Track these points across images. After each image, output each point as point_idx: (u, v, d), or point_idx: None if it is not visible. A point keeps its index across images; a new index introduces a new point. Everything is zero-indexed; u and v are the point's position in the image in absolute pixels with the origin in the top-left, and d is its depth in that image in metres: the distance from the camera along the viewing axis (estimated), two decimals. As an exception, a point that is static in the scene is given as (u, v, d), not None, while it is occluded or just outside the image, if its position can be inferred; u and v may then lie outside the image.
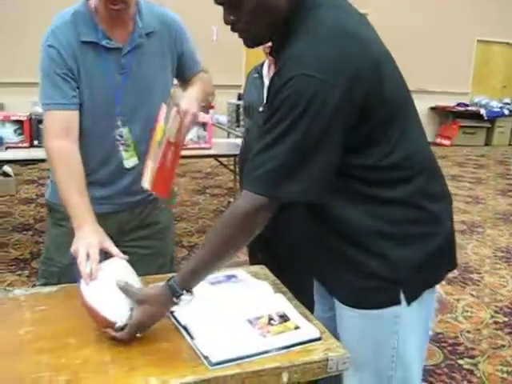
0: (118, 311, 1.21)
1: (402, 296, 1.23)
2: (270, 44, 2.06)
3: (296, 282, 1.56)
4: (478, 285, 3.74)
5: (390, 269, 1.22)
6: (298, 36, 1.14)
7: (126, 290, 1.24)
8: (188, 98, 1.55)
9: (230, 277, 1.56)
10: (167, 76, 1.73)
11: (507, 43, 11.11)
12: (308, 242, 1.41)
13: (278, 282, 1.57)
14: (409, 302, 1.24)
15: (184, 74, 1.80)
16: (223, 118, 5.59)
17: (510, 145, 10.93)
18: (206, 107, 1.72)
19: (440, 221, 1.30)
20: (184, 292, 1.19)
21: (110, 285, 1.25)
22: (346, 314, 1.30)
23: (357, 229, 1.22)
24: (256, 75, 2.31)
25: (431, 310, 1.36)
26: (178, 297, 1.19)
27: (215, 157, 4.59)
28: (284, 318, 1.30)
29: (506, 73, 11.59)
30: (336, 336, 1.30)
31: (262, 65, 2.32)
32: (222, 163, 5.23)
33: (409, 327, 1.27)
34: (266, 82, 2.22)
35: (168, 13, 1.75)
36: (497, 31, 10.74)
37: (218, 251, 1.20)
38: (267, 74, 2.24)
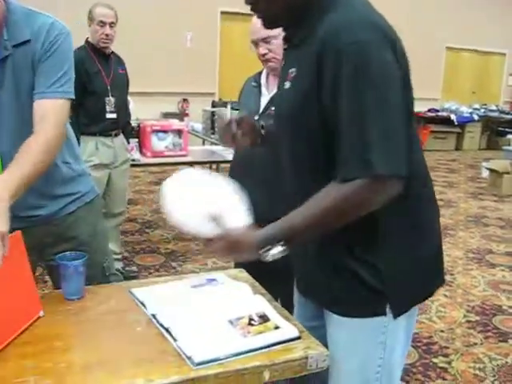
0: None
1: (388, 309, 1.24)
2: (265, 53, 2.10)
3: (274, 288, 1.60)
4: (450, 285, 3.83)
5: (379, 281, 1.22)
6: (335, 10, 1.17)
7: (218, 220, 1.23)
8: None
9: (210, 280, 1.59)
10: (21, 95, 1.56)
11: (475, 50, 11.38)
12: (299, 248, 1.36)
13: (257, 284, 1.60)
14: (395, 316, 1.25)
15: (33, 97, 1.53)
16: (198, 126, 5.62)
17: (480, 149, 11.17)
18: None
19: (433, 229, 1.33)
20: (279, 245, 1.19)
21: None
22: (334, 322, 1.31)
23: (351, 236, 1.21)
24: (254, 84, 2.28)
25: (415, 317, 1.39)
26: (269, 248, 1.19)
27: (192, 164, 4.61)
28: (264, 319, 1.33)
29: (474, 79, 11.86)
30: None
31: (260, 74, 2.29)
32: (198, 170, 5.24)
33: (396, 338, 1.29)
34: (264, 90, 2.20)
35: (48, 23, 1.55)
36: (465, 38, 10.98)
37: (324, 221, 1.17)
38: (265, 83, 2.21)
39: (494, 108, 11.45)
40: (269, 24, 1.32)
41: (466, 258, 4.52)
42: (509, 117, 11.12)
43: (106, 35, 3.32)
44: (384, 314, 1.24)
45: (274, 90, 1.94)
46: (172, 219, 1.29)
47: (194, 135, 5.67)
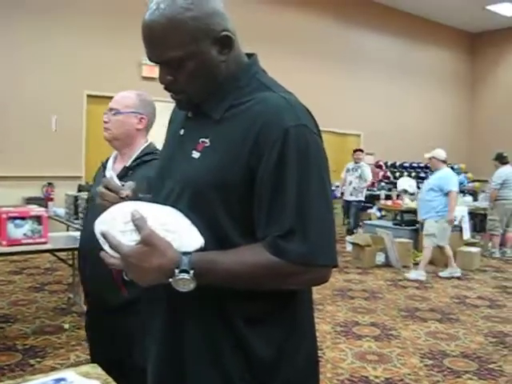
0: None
1: None
2: (105, 121, 2.09)
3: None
4: (320, 361, 3.87)
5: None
6: (256, 93, 1.19)
7: (140, 221, 1.10)
8: None
9: (58, 380, 1.46)
10: None
11: (332, 132, 12.23)
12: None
13: (111, 379, 1.50)
14: None
15: None
16: (61, 211, 5.40)
17: (343, 224, 11.79)
18: None
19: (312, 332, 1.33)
20: (190, 272, 1.08)
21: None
22: None
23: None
24: (101, 168, 2.28)
25: None
26: (181, 271, 1.08)
27: (52, 251, 4.37)
28: None
29: (334, 158, 12.69)
30: None
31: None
32: (60, 258, 4.97)
33: None
34: (108, 175, 2.20)
35: None
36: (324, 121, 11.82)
37: (245, 275, 1.12)
38: (111, 166, 2.21)
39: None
40: (185, 105, 1.27)
41: (334, 331, 4.64)
42: (367, 193, 11.93)
43: None
44: None
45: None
46: (96, 228, 1.16)
47: (57, 221, 5.43)
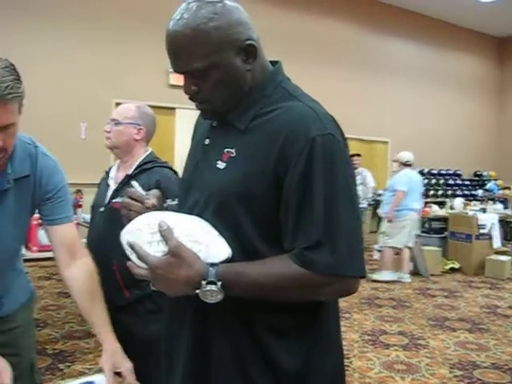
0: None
1: None
2: (107, 131, 2.14)
3: None
4: (347, 370, 3.84)
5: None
6: (282, 102, 1.19)
7: (167, 232, 1.11)
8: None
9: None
10: (20, 221, 1.68)
11: (359, 139, 12.15)
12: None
13: (138, 384, 1.52)
14: None
15: (44, 222, 1.73)
16: (89, 217, 5.46)
17: (371, 232, 11.68)
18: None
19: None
20: (218, 283, 1.08)
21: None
22: None
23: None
24: (105, 176, 2.38)
25: None
26: (208, 282, 1.08)
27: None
28: None
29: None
30: None
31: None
32: (89, 263, 5.03)
33: None
34: (111, 183, 2.28)
35: (43, 159, 1.71)
36: (351, 129, 11.77)
37: (272, 287, 1.12)
38: (114, 176, 2.31)
39: (381, 192, 12.12)
40: (210, 115, 1.27)
41: (362, 340, 4.59)
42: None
43: None
44: None
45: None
46: (122, 238, 1.17)
47: (86, 227, 5.49)
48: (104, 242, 2.11)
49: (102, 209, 2.21)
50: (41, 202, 1.69)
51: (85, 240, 2.22)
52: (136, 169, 2.24)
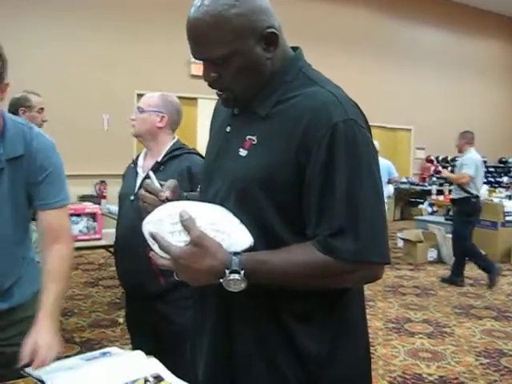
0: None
1: None
2: (133, 118, 2.12)
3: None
4: (372, 357, 3.82)
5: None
6: (303, 88, 1.18)
7: (188, 221, 1.11)
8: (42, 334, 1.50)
9: (104, 353, 1.54)
10: (18, 205, 1.68)
11: (382, 126, 12.05)
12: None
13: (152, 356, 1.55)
14: None
15: (36, 205, 1.72)
16: (114, 208, 5.52)
17: (394, 220, 11.61)
18: None
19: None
20: (241, 272, 1.08)
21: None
22: None
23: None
24: (132, 165, 2.39)
25: None
26: (232, 271, 1.08)
27: (106, 247, 4.48)
28: (159, 379, 1.32)
29: (384, 154, 12.47)
30: None
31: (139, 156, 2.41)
32: (113, 253, 5.09)
33: None
34: (139, 171, 2.30)
35: (38, 139, 1.69)
36: (374, 116, 11.65)
37: (296, 274, 1.12)
38: (142, 164, 2.33)
39: (404, 180, 12.05)
40: (231, 103, 1.25)
41: (386, 328, 4.58)
42: (419, 188, 11.72)
43: (43, 120, 3.68)
44: None
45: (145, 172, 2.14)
46: (144, 229, 1.18)
47: (110, 218, 5.56)
48: (136, 230, 2.12)
49: (132, 197, 2.22)
50: (36, 182, 1.68)
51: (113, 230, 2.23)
52: (165, 156, 2.27)
